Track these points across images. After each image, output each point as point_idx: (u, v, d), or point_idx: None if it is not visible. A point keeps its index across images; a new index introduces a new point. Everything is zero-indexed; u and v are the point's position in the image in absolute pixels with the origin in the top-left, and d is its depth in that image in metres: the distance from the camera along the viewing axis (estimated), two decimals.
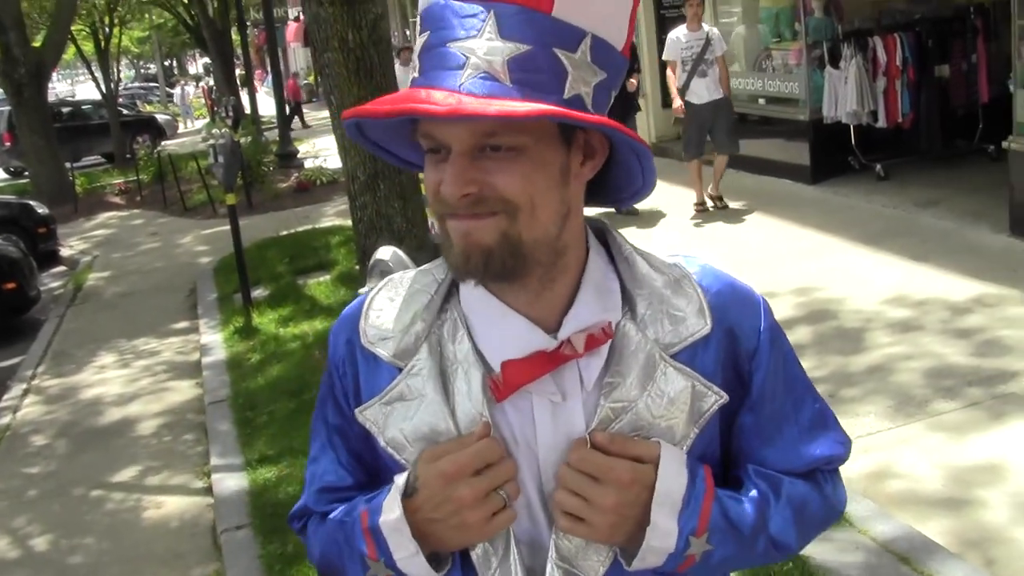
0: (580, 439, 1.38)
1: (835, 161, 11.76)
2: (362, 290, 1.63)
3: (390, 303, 1.49)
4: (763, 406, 1.50)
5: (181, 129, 36.01)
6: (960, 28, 11.56)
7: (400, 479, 1.41)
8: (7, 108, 23.17)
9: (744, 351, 1.49)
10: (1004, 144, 8.89)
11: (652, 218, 11.18)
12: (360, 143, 1.46)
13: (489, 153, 1.30)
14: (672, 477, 1.38)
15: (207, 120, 32.32)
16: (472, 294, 1.44)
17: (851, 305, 7.69)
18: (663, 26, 15.36)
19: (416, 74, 1.32)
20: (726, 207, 11.23)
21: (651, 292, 1.45)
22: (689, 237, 10.30)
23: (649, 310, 1.45)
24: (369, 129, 1.44)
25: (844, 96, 11.20)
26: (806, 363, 6.39)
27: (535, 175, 1.32)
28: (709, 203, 11.29)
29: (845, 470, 4.92)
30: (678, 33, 10.98)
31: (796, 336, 7.20)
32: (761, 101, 12.84)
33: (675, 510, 1.37)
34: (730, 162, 11.26)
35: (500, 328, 1.41)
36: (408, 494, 1.39)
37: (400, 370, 1.44)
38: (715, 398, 1.45)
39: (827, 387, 6.27)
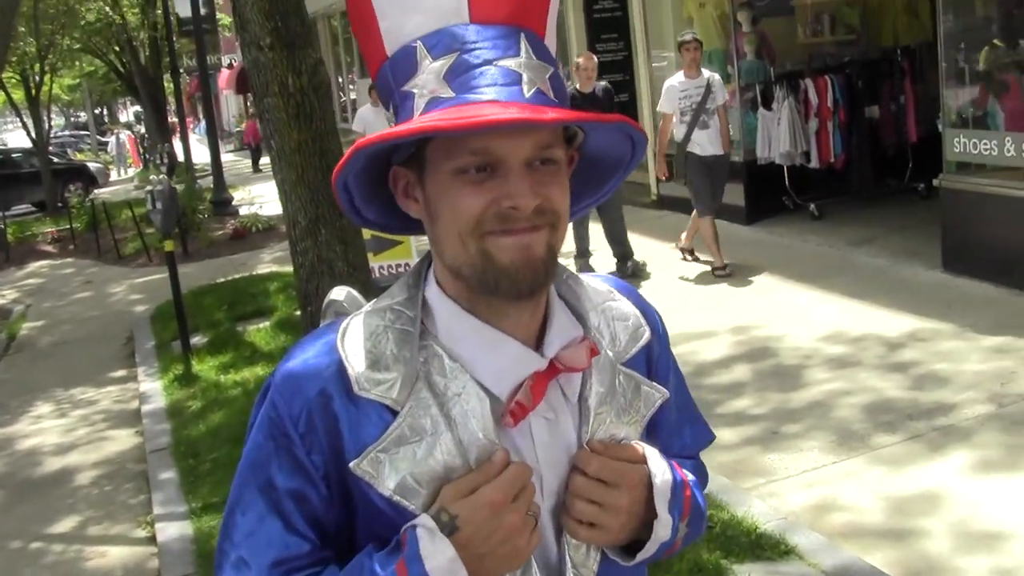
0: (585, 450, 1.44)
1: (770, 201, 11.94)
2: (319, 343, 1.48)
3: (371, 346, 1.40)
4: (671, 401, 1.62)
5: (113, 177, 35.65)
6: (888, 70, 11.85)
7: (428, 521, 1.33)
8: None
9: (656, 353, 1.61)
10: (935, 182, 9.08)
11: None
12: (343, 193, 1.42)
13: (538, 167, 1.34)
14: (662, 472, 1.48)
15: (138, 168, 32.08)
16: (456, 324, 1.42)
17: (789, 343, 7.79)
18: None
19: (452, 93, 1.31)
20: (697, 259, 10.59)
21: (594, 305, 1.54)
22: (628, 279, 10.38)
23: (599, 322, 1.53)
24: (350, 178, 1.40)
25: (777, 137, 11.41)
26: (746, 401, 6.51)
27: (566, 188, 1.39)
28: (680, 255, 10.78)
29: (790, 503, 4.97)
30: (674, 81, 10.10)
31: (735, 374, 7.28)
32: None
33: (666, 501, 1.47)
34: (662, 202, 11.41)
35: (494, 354, 1.41)
36: (448, 534, 1.33)
37: (395, 413, 1.37)
38: (658, 397, 1.58)
39: (768, 424, 6.34)
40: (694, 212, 10.26)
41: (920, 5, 12.25)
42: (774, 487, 5.56)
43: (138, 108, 42.17)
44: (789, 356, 7.52)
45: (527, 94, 1.31)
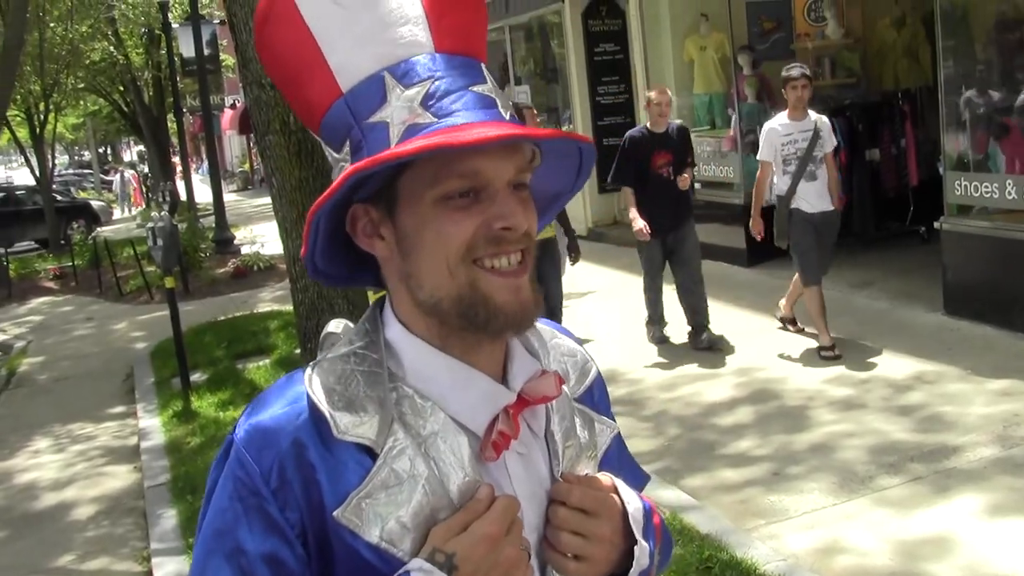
0: (563, 483, 1.42)
1: (770, 244, 11.90)
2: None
3: (342, 388, 1.34)
4: (616, 438, 1.63)
5: (116, 215, 35.75)
6: (889, 113, 11.88)
7: (423, 564, 1.27)
8: None
9: (598, 391, 1.62)
10: (936, 225, 9.09)
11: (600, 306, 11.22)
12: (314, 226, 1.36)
13: (514, 191, 1.33)
14: (632, 500, 1.46)
15: (141, 207, 32.16)
16: (425, 363, 1.37)
17: (792, 384, 7.77)
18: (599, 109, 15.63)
19: (432, 118, 1.29)
20: (802, 331, 9.05)
21: (543, 343, 1.53)
22: (630, 319, 10.35)
23: (550, 358, 1.52)
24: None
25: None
26: (749, 442, 6.47)
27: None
28: (779, 324, 9.32)
29: (792, 545, 4.93)
30: (775, 123, 8.53)
31: (738, 416, 7.26)
32: (697, 185, 13.02)
33: (641, 528, 1.45)
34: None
35: (465, 390, 1.37)
36: (447, 572, 1.28)
37: (373, 457, 1.30)
38: (609, 431, 1.59)
39: (771, 465, 6.31)
40: (796, 276, 8.73)
41: (920, 49, 12.31)
42: (775, 528, 5.52)
43: (142, 147, 42.29)
44: (792, 397, 7.50)
45: (505, 116, 1.32)
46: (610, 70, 15.57)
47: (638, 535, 1.43)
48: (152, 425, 9.07)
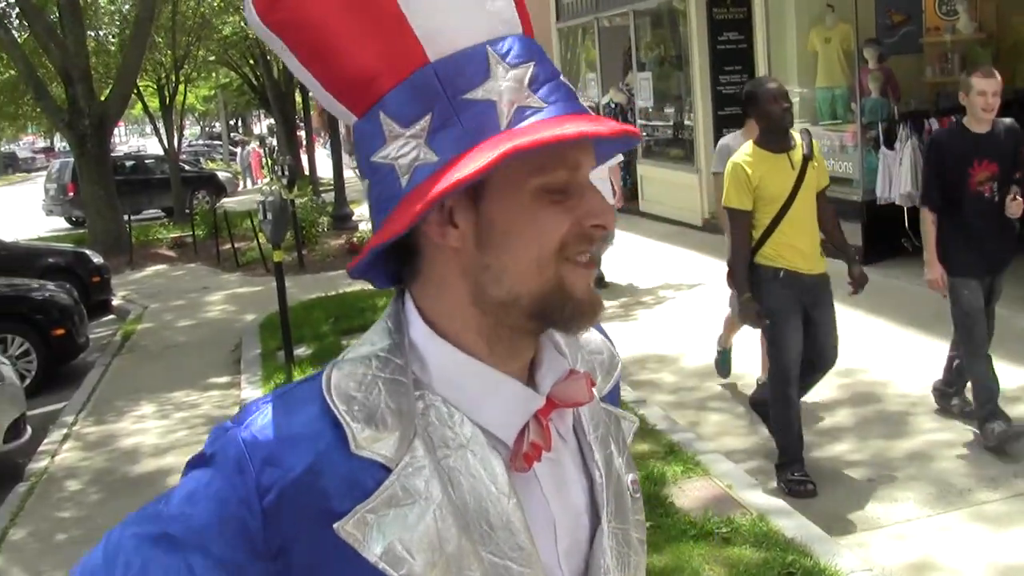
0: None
1: (888, 243, 11.65)
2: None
3: (362, 398, 1.23)
4: None
5: (241, 188, 36.48)
6: (1019, 111, 11.45)
7: None
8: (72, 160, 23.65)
9: (617, 384, 1.55)
10: None
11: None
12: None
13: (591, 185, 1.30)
14: None
15: (263, 180, 32.77)
16: (454, 368, 1.28)
17: (895, 389, 7.56)
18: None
19: (542, 103, 1.22)
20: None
21: (571, 339, 1.44)
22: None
23: (578, 357, 1.43)
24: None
25: (898, 178, 11.13)
26: (846, 445, 6.28)
27: None
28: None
29: (880, 556, 4.73)
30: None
31: (837, 418, 7.08)
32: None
33: None
34: None
35: (495, 397, 1.29)
36: None
37: (388, 471, 1.21)
38: (631, 425, 1.52)
39: (865, 471, 6.15)
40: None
41: None
42: (865, 537, 5.37)
43: (271, 120, 43.06)
44: (894, 402, 7.30)
45: (587, 109, 1.28)
46: (733, 59, 15.32)
47: None
48: (254, 396, 9.20)
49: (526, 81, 1.22)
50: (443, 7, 1.24)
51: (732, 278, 6.23)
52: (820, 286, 6.17)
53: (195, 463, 1.27)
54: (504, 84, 1.21)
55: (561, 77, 1.27)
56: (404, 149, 1.23)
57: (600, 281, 11.52)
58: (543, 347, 1.35)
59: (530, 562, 1.25)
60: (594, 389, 1.37)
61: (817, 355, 6.25)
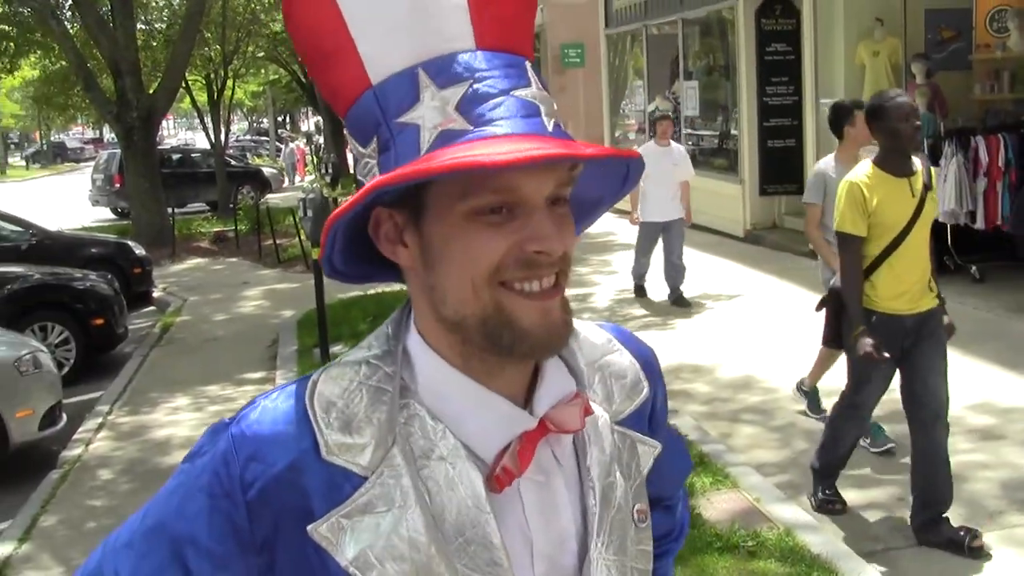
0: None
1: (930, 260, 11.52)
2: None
3: (343, 404, 1.26)
4: (662, 454, 1.50)
5: (285, 184, 36.69)
6: None
7: None
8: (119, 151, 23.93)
9: (655, 407, 1.50)
10: None
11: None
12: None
13: (552, 207, 1.22)
14: None
15: (306, 177, 32.95)
16: (441, 380, 1.28)
17: None
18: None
19: (468, 125, 1.18)
20: None
21: (591, 360, 1.41)
22: (772, 328, 10.14)
23: (595, 379, 1.40)
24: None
25: (942, 195, 11.01)
26: (877, 462, 6.18)
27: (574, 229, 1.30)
28: None
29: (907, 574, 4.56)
30: None
31: None
32: None
33: None
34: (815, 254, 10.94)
35: (481, 413, 1.27)
36: None
37: (364, 478, 1.23)
38: (652, 451, 1.47)
39: (896, 489, 6.08)
40: None
41: None
42: (893, 555, 5.32)
43: (319, 118, 43.31)
44: None
45: (549, 127, 1.20)
46: (780, 71, 15.23)
47: None
48: None
49: (455, 103, 1.18)
50: (383, 30, 1.23)
51: (842, 311, 5.55)
52: (925, 323, 5.51)
53: (190, 456, 1.31)
54: (429, 106, 1.19)
55: (521, 92, 1.21)
56: (366, 168, 1.26)
57: (680, 300, 11.41)
58: (546, 367, 1.33)
59: None
60: (598, 414, 1.36)
61: (917, 404, 5.40)
